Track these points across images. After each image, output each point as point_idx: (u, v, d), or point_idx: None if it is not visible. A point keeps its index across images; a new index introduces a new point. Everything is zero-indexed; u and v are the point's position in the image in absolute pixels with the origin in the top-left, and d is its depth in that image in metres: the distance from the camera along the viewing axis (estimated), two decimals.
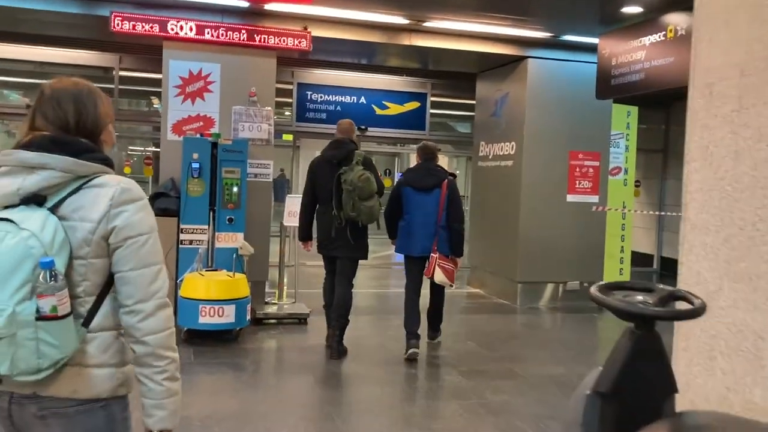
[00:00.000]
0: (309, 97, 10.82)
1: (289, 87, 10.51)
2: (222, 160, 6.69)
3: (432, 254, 5.62)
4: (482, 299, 8.86)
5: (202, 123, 7.33)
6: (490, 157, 9.27)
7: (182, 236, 6.60)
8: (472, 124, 10.17)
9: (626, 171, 9.35)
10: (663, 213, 9.48)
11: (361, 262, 5.65)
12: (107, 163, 1.69)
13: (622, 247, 9.36)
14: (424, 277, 5.77)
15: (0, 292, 1.49)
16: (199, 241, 6.62)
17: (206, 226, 6.64)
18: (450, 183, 5.70)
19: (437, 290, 5.95)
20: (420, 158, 5.87)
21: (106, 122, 1.76)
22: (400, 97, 11.20)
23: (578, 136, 8.48)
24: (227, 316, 5.81)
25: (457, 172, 13.04)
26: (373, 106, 11.14)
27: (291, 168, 11.78)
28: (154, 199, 6.84)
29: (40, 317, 1.51)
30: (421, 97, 11.23)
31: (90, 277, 1.64)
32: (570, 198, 8.50)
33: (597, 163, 8.59)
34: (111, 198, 1.63)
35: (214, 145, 6.70)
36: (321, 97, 10.90)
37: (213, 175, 6.67)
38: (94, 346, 1.64)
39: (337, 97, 10.97)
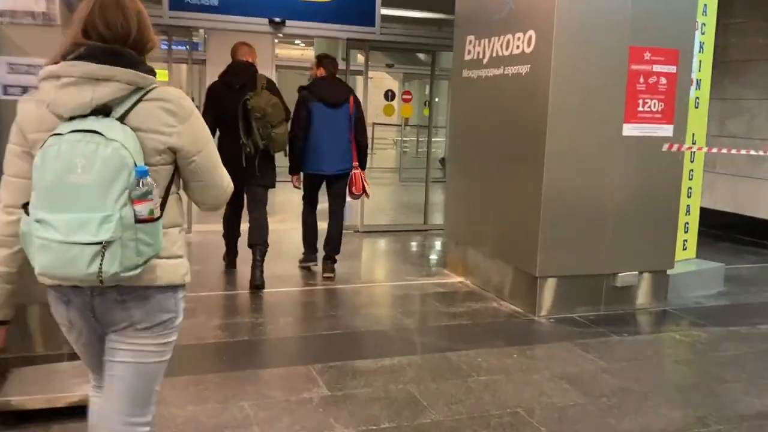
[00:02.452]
0: None
1: None
2: None
3: (354, 171, 5.60)
4: (474, 301, 5.31)
5: None
6: (485, 61, 5.55)
7: None
8: (454, 18, 6.34)
9: (699, 84, 5.80)
10: (759, 152, 6.07)
11: None
12: (153, 73, 1.78)
13: (688, 206, 5.90)
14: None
15: (104, 199, 1.59)
16: None
17: None
18: (356, 97, 5.63)
19: (337, 213, 5.79)
20: (326, 70, 5.60)
21: (151, 33, 1.84)
22: None
23: (646, 22, 4.84)
24: None
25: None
26: None
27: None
28: None
29: (139, 220, 1.63)
30: None
31: (160, 182, 1.76)
32: (628, 129, 4.92)
33: (674, 69, 4.98)
34: (175, 112, 1.76)
35: None
36: None
37: None
38: (167, 240, 1.79)
39: None
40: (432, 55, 8.66)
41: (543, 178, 4.75)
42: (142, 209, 1.64)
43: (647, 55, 4.87)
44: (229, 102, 5.02)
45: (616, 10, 4.75)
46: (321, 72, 5.57)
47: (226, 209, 5.49)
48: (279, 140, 5.07)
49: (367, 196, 5.76)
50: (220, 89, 5.18)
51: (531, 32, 4.90)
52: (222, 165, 1.92)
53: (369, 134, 6.12)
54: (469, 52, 5.80)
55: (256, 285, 5.20)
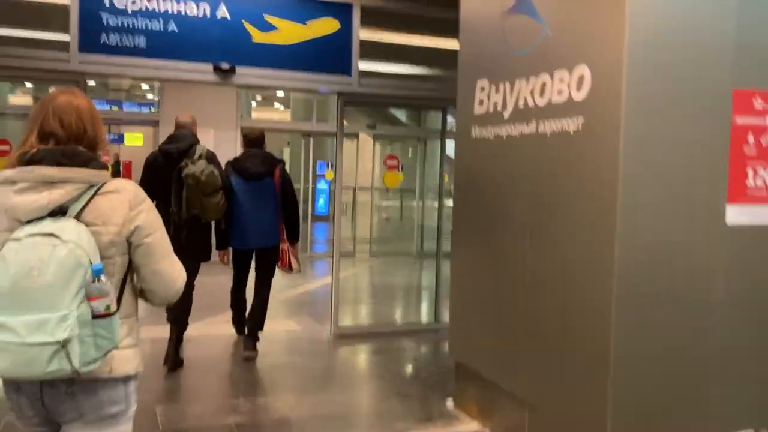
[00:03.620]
0: (106, 4, 5.27)
1: None
2: None
3: (282, 245, 5.46)
4: None
5: None
6: (506, 114, 3.89)
7: None
8: (458, 57, 4.70)
9: None
10: None
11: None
12: (106, 168, 1.90)
13: None
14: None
15: (61, 299, 1.67)
16: None
17: None
18: (282, 169, 5.46)
19: (261, 289, 5.52)
20: (245, 145, 5.52)
21: (102, 129, 1.97)
22: (302, 9, 5.83)
23: (758, 55, 3.23)
24: None
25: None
26: (247, 24, 5.66)
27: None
28: None
29: (96, 315, 1.72)
30: (342, 10, 5.90)
31: (116, 273, 1.87)
32: (734, 213, 3.24)
33: None
34: (129, 202, 1.88)
35: None
36: (132, 3, 5.33)
37: None
38: (124, 331, 1.88)
39: (167, 5, 5.42)
40: (441, 111, 6.97)
41: (612, 287, 3.03)
42: (99, 305, 1.73)
43: (759, 103, 3.24)
44: (166, 170, 4.95)
45: (713, 37, 3.13)
46: (243, 144, 5.56)
47: None
48: (212, 208, 4.99)
49: (294, 271, 5.60)
50: (159, 158, 5.06)
51: (582, 69, 3.25)
52: (174, 254, 2.00)
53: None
54: (482, 102, 4.15)
55: (170, 364, 5.00)
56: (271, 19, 5.65)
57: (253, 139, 5.48)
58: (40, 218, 1.76)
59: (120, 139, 13.50)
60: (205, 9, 5.42)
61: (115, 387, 1.88)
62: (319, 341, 6.05)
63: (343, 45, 5.85)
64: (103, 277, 1.73)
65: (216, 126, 10.64)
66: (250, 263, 5.52)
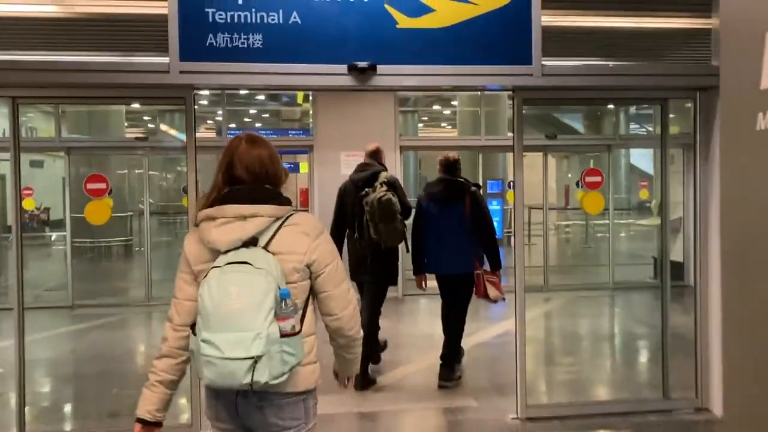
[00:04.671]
0: None
1: None
2: None
3: (476, 271, 5.28)
4: None
5: None
6: None
7: None
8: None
9: None
10: None
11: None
12: (290, 202, 2.17)
13: None
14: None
15: (255, 320, 1.93)
16: None
17: None
18: (473, 194, 5.37)
19: (454, 320, 5.43)
20: (439, 170, 5.51)
21: (281, 168, 2.24)
22: None
23: None
24: None
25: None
26: (390, 8, 4.29)
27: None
28: None
29: (283, 335, 1.97)
30: None
31: (299, 296, 2.12)
32: None
33: None
34: (308, 234, 2.13)
35: None
36: None
37: None
38: (306, 348, 2.10)
39: None
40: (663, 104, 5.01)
41: None
42: (286, 325, 1.97)
43: None
44: (351, 200, 5.28)
45: None
46: (438, 170, 5.54)
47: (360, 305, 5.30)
48: (389, 235, 5.13)
49: (492, 300, 5.32)
50: (347, 187, 5.39)
51: None
52: (348, 279, 2.25)
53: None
54: None
55: (357, 388, 5.17)
56: None
57: (447, 166, 5.44)
58: (236, 248, 2.03)
59: (296, 168, 14.23)
60: None
61: (297, 401, 2.12)
62: (503, 427, 4.46)
63: (518, 22, 4.28)
64: (288, 300, 1.99)
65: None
66: (451, 287, 5.42)
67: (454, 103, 16.51)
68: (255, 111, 21.24)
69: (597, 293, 9.91)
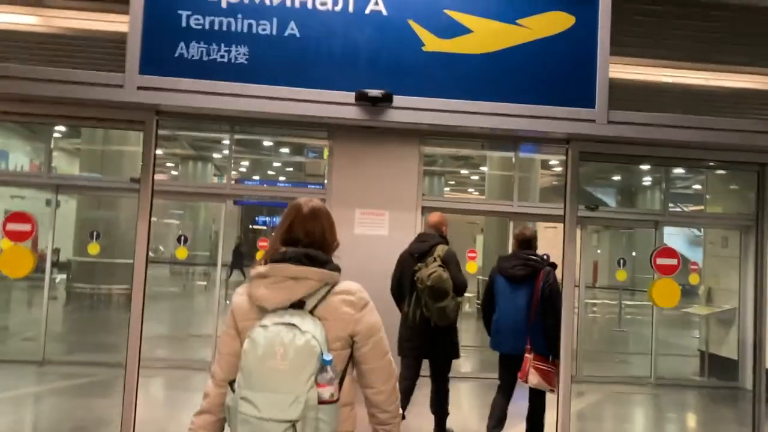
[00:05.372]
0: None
1: None
2: None
3: (526, 354, 5.01)
4: None
5: None
6: None
7: None
8: None
9: None
10: None
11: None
12: (339, 270, 2.16)
13: None
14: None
15: (296, 383, 1.93)
16: None
17: None
18: (547, 274, 5.06)
19: (536, 397, 5.12)
20: (515, 245, 5.38)
21: (336, 234, 2.27)
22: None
23: None
24: None
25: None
26: (415, 25, 3.31)
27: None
28: None
29: (321, 401, 1.95)
30: None
31: (339, 365, 2.08)
32: None
33: None
34: (354, 304, 2.12)
35: None
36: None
37: None
38: (343, 416, 2.08)
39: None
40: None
41: None
42: (325, 392, 1.95)
43: None
44: (407, 271, 5.11)
45: None
46: (513, 245, 5.41)
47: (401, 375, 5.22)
48: (438, 313, 4.99)
49: (540, 387, 4.92)
50: (405, 257, 5.12)
51: None
52: (390, 352, 2.19)
53: None
54: None
55: None
56: (457, 15, 3.31)
57: (522, 241, 5.29)
58: (283, 309, 2.03)
59: None
60: (346, 0, 3.22)
61: None
62: None
63: (581, 55, 3.33)
64: (330, 368, 1.96)
65: (391, 207, 8.56)
66: (511, 368, 5.20)
67: (483, 168, 15.59)
68: (279, 164, 20.64)
69: (636, 389, 8.63)
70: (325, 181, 9.41)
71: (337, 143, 8.57)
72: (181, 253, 10.44)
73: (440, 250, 5.14)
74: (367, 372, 2.15)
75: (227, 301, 10.12)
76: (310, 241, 2.15)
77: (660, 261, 5.28)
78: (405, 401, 5.29)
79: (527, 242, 5.31)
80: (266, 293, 2.06)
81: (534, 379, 5.04)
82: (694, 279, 9.36)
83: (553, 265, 5.23)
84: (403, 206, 8.24)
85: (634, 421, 7.49)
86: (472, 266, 9.15)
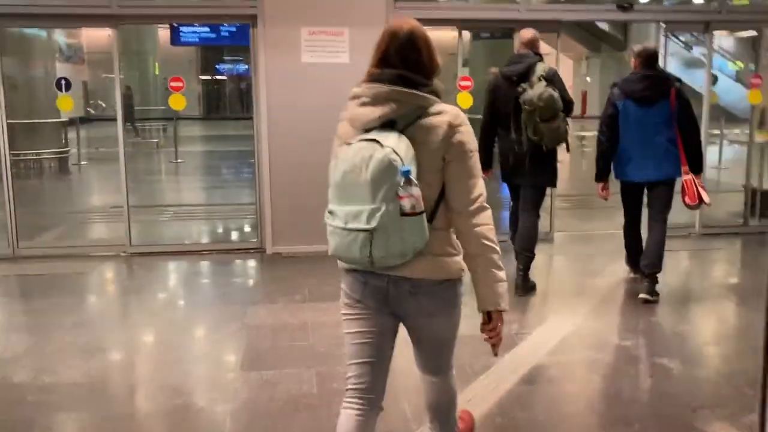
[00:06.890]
0: None
1: None
2: None
3: (685, 176, 5.03)
4: None
5: None
6: None
7: None
8: None
9: None
10: None
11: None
12: (437, 94, 2.14)
13: None
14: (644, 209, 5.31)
15: (376, 194, 1.98)
16: None
17: None
18: (678, 90, 5.00)
19: (656, 227, 5.11)
20: (638, 65, 5.14)
21: (437, 58, 2.19)
22: None
23: None
24: None
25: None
26: None
27: None
28: None
29: (403, 213, 1.98)
30: None
31: (433, 185, 2.10)
32: None
33: None
34: (448, 123, 2.09)
35: None
36: None
37: None
38: (438, 240, 2.13)
39: None
40: None
41: None
42: (406, 204, 1.97)
43: None
44: (505, 96, 5.02)
45: None
46: (635, 65, 5.18)
47: (511, 207, 5.49)
48: (550, 135, 4.90)
49: (707, 204, 5.12)
50: (498, 82, 5.12)
51: None
52: (479, 177, 2.15)
53: None
54: None
55: (520, 294, 5.20)
56: None
57: (647, 57, 5.05)
58: (374, 128, 2.06)
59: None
60: None
61: (446, 289, 2.17)
62: None
63: None
64: (410, 179, 1.96)
65: (352, 22, 6.38)
66: (642, 198, 5.23)
67: None
68: None
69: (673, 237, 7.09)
70: None
71: None
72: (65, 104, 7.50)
73: (542, 68, 4.94)
74: (450, 193, 2.14)
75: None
76: (405, 66, 2.12)
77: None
78: (514, 227, 5.36)
79: (653, 59, 5.06)
80: (358, 112, 2.11)
81: (707, 198, 4.98)
82: (754, 97, 7.38)
83: (679, 80, 5.12)
84: (370, 20, 6.24)
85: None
86: (466, 99, 7.15)
